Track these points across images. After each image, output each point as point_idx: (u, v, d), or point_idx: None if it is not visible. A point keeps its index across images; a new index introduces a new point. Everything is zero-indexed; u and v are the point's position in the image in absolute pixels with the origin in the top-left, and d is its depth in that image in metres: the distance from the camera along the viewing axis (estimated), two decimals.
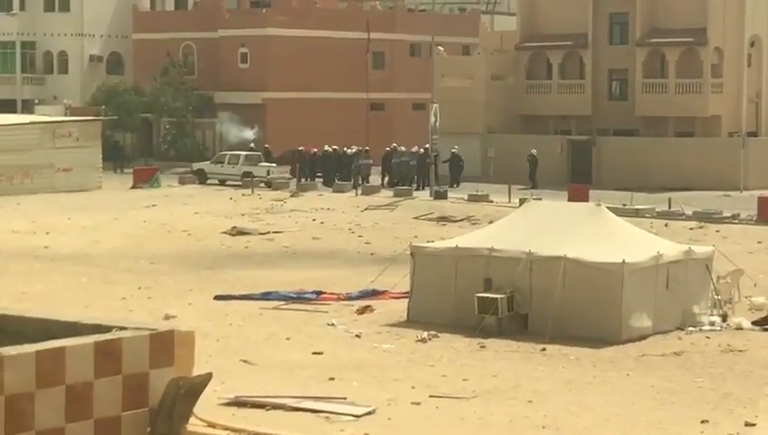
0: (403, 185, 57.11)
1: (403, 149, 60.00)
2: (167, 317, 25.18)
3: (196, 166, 63.00)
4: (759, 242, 38.78)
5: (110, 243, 38.77)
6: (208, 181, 60.91)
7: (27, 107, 76.46)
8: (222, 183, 60.41)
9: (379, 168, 60.14)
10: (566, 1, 66.33)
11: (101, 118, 65.27)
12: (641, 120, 61.58)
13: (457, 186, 57.14)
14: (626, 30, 62.31)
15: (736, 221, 44.02)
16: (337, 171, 60.03)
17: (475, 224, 42.42)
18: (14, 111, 73.30)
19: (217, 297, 28.60)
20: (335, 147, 61.53)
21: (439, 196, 52.98)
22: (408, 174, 58.65)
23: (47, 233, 40.85)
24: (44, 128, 58.49)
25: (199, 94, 73.15)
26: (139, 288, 29.96)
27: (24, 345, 9.11)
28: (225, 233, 41.08)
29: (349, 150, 60.81)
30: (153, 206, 49.96)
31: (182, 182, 60.68)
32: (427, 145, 57.83)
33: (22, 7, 79.59)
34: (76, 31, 78.83)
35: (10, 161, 55.36)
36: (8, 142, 56.00)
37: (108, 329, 9.71)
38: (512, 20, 71.85)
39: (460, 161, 59.31)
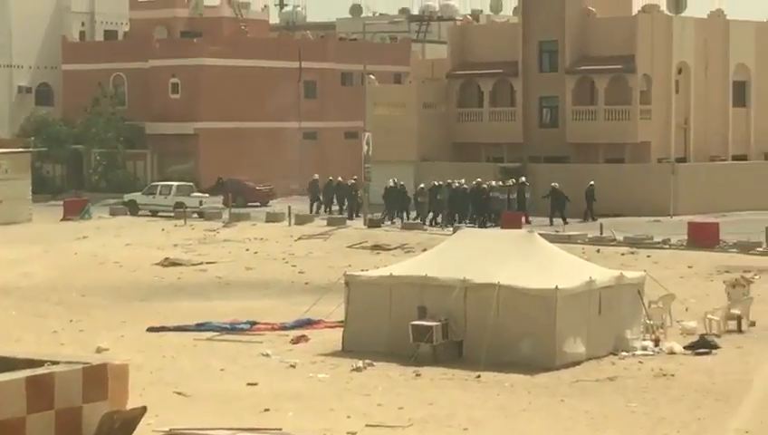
0: (494, 223, 50.75)
1: (497, 183, 54.64)
2: (99, 350, 24.93)
3: (127, 197, 62.57)
4: (689, 267, 39.15)
5: (41, 275, 38.37)
6: (140, 212, 60.50)
7: None
8: (154, 214, 60.03)
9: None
10: (496, 29, 66.83)
11: (31, 150, 64.71)
12: (572, 147, 62.02)
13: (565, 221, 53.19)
14: (555, 58, 62.77)
15: (667, 246, 44.39)
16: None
17: (408, 252, 42.49)
18: None
19: (150, 329, 28.39)
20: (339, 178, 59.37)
21: (373, 224, 52.99)
22: (499, 210, 52.53)
23: None
24: None
25: (130, 125, 72.73)
26: (71, 321, 29.68)
27: None
28: (157, 264, 40.82)
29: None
30: (84, 238, 49.54)
31: (113, 214, 60.19)
32: (523, 178, 55.28)
33: None
34: (4, 62, 78.09)
35: None
36: None
37: (40, 363, 9.59)
38: (443, 48, 72.19)
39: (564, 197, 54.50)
